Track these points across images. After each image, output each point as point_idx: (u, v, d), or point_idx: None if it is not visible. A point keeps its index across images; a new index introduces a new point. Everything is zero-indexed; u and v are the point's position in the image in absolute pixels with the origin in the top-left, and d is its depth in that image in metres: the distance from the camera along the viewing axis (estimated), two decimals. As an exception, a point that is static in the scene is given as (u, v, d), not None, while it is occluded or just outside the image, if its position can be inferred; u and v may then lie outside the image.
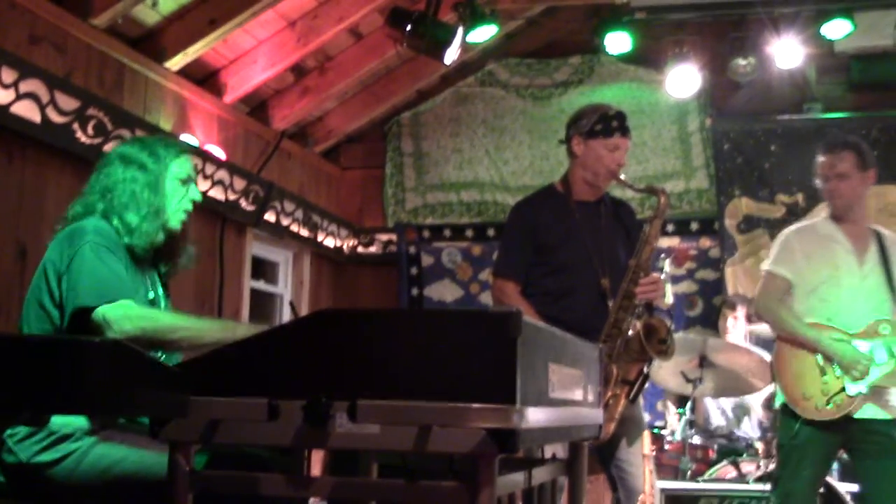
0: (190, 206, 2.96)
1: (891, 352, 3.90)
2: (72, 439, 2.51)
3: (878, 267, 4.03)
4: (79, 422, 2.52)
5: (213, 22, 5.22)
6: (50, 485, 2.51)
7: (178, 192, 2.92)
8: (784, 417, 4.04)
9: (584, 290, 3.80)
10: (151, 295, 2.83)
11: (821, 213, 4.27)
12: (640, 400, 3.88)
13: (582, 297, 3.80)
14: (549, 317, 3.64)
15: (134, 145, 2.92)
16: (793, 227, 4.27)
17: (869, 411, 3.92)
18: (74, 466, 2.50)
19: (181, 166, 2.94)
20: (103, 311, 2.54)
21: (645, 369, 3.68)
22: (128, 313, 2.56)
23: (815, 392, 3.92)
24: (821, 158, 4.13)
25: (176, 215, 2.92)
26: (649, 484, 3.46)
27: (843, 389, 3.89)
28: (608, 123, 3.81)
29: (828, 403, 3.89)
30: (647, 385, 3.80)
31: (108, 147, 4.63)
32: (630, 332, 3.64)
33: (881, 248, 4.08)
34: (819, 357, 3.95)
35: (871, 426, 3.92)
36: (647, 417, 4.04)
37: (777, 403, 4.13)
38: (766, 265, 4.19)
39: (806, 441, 3.93)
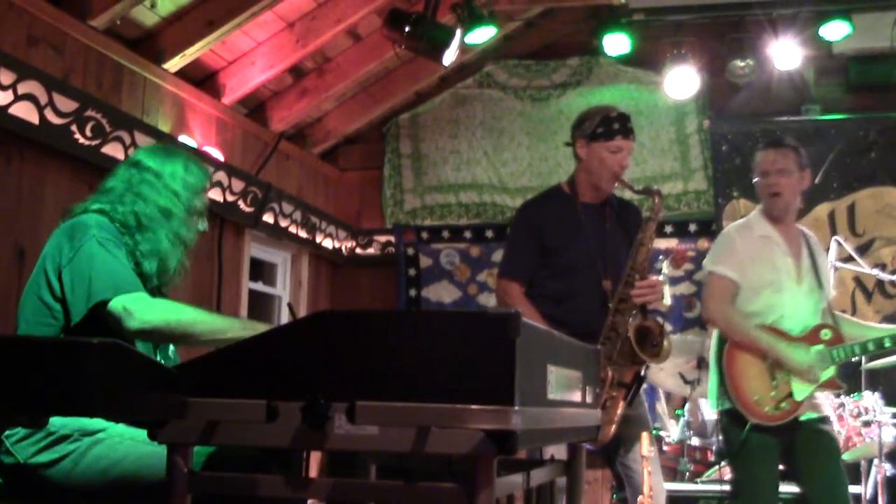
0: (194, 240, 2.95)
1: (831, 358, 3.92)
2: (70, 440, 2.51)
3: (811, 270, 4.04)
4: (77, 423, 2.51)
5: (212, 23, 5.22)
6: (48, 485, 2.50)
7: (193, 226, 2.91)
8: (729, 423, 3.98)
9: (586, 292, 3.80)
10: None
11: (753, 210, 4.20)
12: (644, 399, 3.88)
13: (584, 299, 3.80)
14: (552, 319, 3.64)
15: (163, 168, 2.85)
16: (733, 226, 4.21)
17: (808, 414, 3.94)
18: (72, 467, 2.49)
19: (203, 200, 2.94)
20: (123, 302, 2.53)
21: (641, 372, 3.67)
22: (150, 304, 2.56)
23: (765, 397, 3.89)
24: (762, 154, 4.09)
25: (192, 228, 2.92)
26: (648, 485, 3.45)
27: (790, 394, 3.90)
28: (610, 126, 3.81)
29: (776, 408, 3.88)
30: (644, 385, 3.81)
31: (106, 149, 4.63)
32: (625, 336, 3.64)
33: (810, 252, 4.08)
34: (768, 361, 3.92)
35: (814, 426, 3.94)
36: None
37: (718, 407, 4.06)
38: (709, 265, 4.09)
39: (757, 447, 3.89)
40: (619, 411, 3.61)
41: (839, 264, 5.26)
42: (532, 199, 4.14)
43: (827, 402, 4.15)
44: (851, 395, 5.25)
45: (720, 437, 4.28)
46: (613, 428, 3.59)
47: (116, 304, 2.53)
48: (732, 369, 3.95)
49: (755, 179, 4.13)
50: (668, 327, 5.67)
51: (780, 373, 3.91)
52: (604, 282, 3.79)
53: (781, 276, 3.99)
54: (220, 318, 2.65)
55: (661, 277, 3.95)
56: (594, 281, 3.80)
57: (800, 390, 3.89)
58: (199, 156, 5.43)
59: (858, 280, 6.56)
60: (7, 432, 2.53)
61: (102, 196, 2.81)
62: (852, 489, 4.12)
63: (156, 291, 2.86)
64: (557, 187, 4.06)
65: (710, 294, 4.05)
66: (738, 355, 3.96)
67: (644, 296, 3.69)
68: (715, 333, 4.12)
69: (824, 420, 4.00)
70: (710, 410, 5.94)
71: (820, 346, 3.94)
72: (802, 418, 3.93)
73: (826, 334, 3.96)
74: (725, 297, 3.99)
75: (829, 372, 3.93)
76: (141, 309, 2.53)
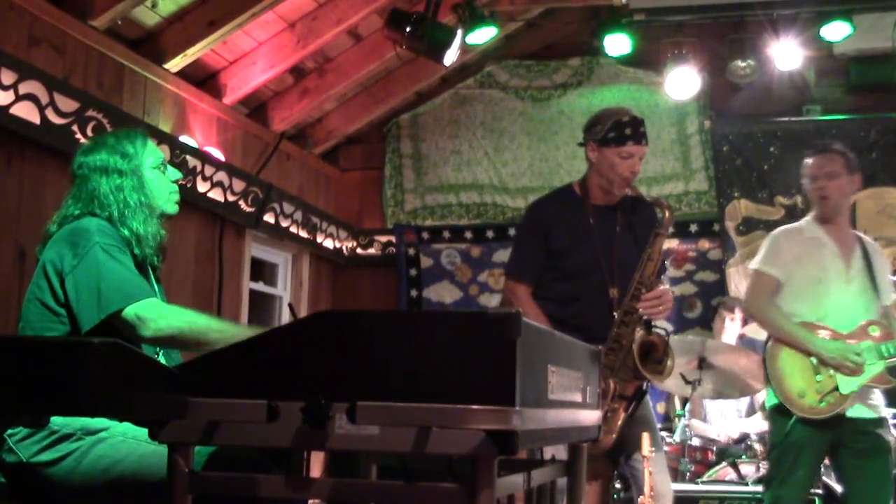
0: (176, 187, 2.97)
1: (879, 353, 3.96)
2: (72, 439, 2.51)
3: (864, 272, 4.09)
4: (79, 422, 2.51)
5: (213, 23, 5.22)
6: (50, 485, 2.50)
7: (160, 180, 2.91)
8: (777, 417, 4.09)
9: (592, 297, 3.76)
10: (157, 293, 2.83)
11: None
12: (649, 400, 3.87)
13: (589, 304, 3.76)
14: (556, 320, 3.62)
15: (100, 152, 2.85)
16: (781, 229, 4.33)
17: (858, 410, 3.98)
18: (74, 466, 2.49)
19: (151, 154, 2.92)
20: (135, 310, 2.54)
21: (643, 386, 3.66)
22: (163, 312, 2.57)
23: (809, 390, 3.97)
24: (810, 160, 4.20)
25: (169, 202, 2.94)
26: (649, 485, 3.45)
27: (836, 388, 3.95)
28: (622, 131, 3.74)
29: (821, 402, 3.95)
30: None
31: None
32: (629, 348, 3.61)
33: (865, 255, 4.14)
34: (813, 357, 4.00)
35: (862, 426, 3.99)
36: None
37: (768, 404, 4.18)
38: (754, 264, 4.23)
39: (800, 440, 3.98)
40: (620, 423, 3.60)
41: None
42: (541, 199, 4.10)
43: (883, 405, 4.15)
44: None
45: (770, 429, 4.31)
46: (614, 437, 3.58)
47: (129, 313, 2.54)
48: (774, 364, 4.06)
49: (805, 184, 4.23)
50: (670, 327, 5.66)
51: (824, 367, 3.97)
52: (610, 289, 3.75)
53: (829, 275, 4.07)
54: (231, 326, 2.64)
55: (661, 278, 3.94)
56: (600, 286, 3.75)
57: (845, 384, 3.94)
58: (199, 156, 5.43)
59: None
60: (9, 431, 2.53)
61: (69, 208, 2.79)
62: None
63: (155, 271, 2.89)
64: (569, 187, 3.99)
65: (752, 291, 4.21)
66: (780, 351, 4.07)
67: (651, 308, 3.65)
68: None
69: (878, 422, 4.03)
70: (715, 411, 5.96)
71: (867, 342, 3.98)
72: (852, 415, 3.96)
73: (874, 330, 4.01)
74: (766, 294, 4.13)
75: (878, 367, 3.96)
76: (154, 317, 2.54)
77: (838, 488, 4.63)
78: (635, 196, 3.86)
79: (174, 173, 2.99)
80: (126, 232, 2.74)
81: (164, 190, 2.92)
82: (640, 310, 3.65)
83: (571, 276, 3.80)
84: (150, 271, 2.90)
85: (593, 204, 3.86)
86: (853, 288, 4.07)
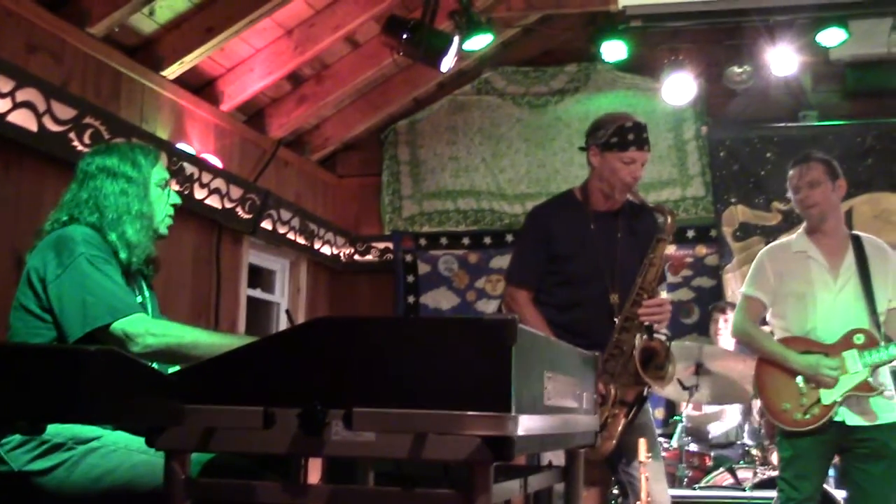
0: (172, 210, 2.98)
1: (864, 361, 3.98)
2: (63, 448, 2.49)
3: (854, 277, 4.09)
4: (71, 431, 2.51)
5: (210, 30, 5.23)
6: (41, 494, 2.49)
7: (162, 199, 2.93)
8: (779, 433, 4.20)
9: (592, 303, 3.74)
10: (140, 299, 2.82)
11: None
12: (649, 406, 3.86)
13: (590, 309, 3.74)
14: (557, 326, 3.62)
15: (112, 156, 2.87)
16: (768, 247, 4.38)
17: (853, 419, 4.00)
18: (66, 476, 2.48)
19: (160, 172, 2.95)
20: (122, 327, 2.54)
21: (644, 392, 3.65)
22: (149, 328, 2.56)
23: (793, 404, 4.04)
24: (791, 172, 4.22)
25: (163, 222, 2.95)
26: (645, 491, 3.45)
27: (818, 400, 4.00)
28: (624, 136, 3.75)
29: (805, 414, 4.00)
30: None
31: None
32: (630, 354, 3.61)
33: (859, 255, 4.13)
34: (797, 372, 4.06)
35: (860, 433, 4.01)
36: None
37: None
38: (742, 289, 4.34)
39: (799, 451, 4.04)
40: (620, 429, 3.60)
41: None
42: (542, 205, 4.08)
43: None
44: None
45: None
46: (613, 443, 3.58)
47: (116, 329, 2.54)
48: (761, 382, 4.17)
49: (790, 197, 4.25)
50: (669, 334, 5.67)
51: (806, 382, 4.04)
52: (611, 295, 3.73)
53: (815, 288, 4.10)
54: (220, 337, 2.62)
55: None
56: (601, 292, 3.73)
57: (826, 395, 3.99)
58: (196, 163, 5.43)
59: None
60: (2, 441, 2.53)
61: (64, 208, 2.80)
62: None
63: (146, 279, 2.90)
64: (570, 193, 3.98)
65: (738, 315, 4.30)
66: (765, 369, 4.17)
67: (651, 315, 3.64)
68: None
69: (879, 428, 4.02)
70: (715, 417, 5.97)
71: (852, 351, 3.99)
72: (851, 423, 3.99)
73: (859, 339, 4.02)
74: (750, 316, 4.23)
75: (862, 375, 3.97)
76: (141, 334, 2.54)
77: (837, 494, 4.65)
78: (637, 202, 3.86)
79: (174, 197, 3.01)
80: (114, 237, 2.73)
81: (162, 209, 2.94)
82: (641, 316, 3.64)
83: (572, 282, 3.79)
84: (142, 279, 2.90)
85: (594, 210, 3.85)
86: (842, 298, 4.08)
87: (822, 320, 4.06)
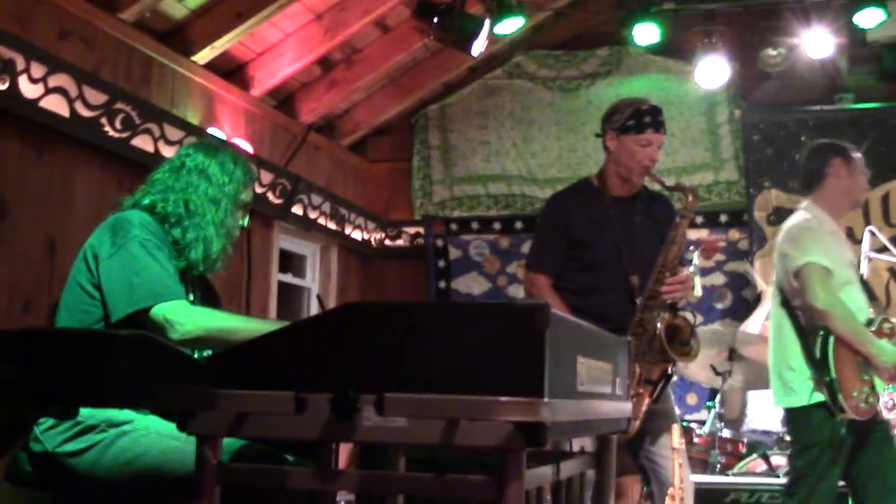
0: (237, 235, 3.00)
1: None
2: (96, 430, 2.52)
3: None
4: (104, 413, 2.53)
5: (240, 15, 5.23)
6: (74, 475, 2.52)
7: (237, 218, 2.96)
8: (821, 414, 3.89)
9: (613, 287, 3.77)
10: (191, 297, 2.84)
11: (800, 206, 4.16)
12: (671, 393, 3.86)
13: (611, 294, 3.76)
14: (578, 311, 3.62)
15: (215, 160, 2.90)
16: (804, 219, 4.06)
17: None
18: (97, 458, 2.51)
19: (248, 194, 3.00)
20: (163, 312, 2.56)
21: (669, 370, 3.65)
22: (190, 315, 2.58)
23: (860, 391, 3.86)
24: (860, 157, 4.11)
25: (227, 240, 2.96)
26: (679, 477, 3.43)
27: (873, 388, 3.88)
28: (640, 119, 3.77)
29: (866, 402, 3.86)
30: (674, 379, 3.78)
31: (136, 142, 4.66)
32: (654, 332, 3.61)
33: None
34: (859, 357, 3.87)
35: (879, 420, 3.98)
36: (677, 411, 4.00)
37: (808, 401, 3.94)
38: (801, 257, 3.92)
39: (842, 440, 3.86)
40: (645, 408, 3.59)
41: (873, 255, 5.21)
42: (560, 192, 4.11)
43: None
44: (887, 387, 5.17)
45: (789, 428, 4.24)
46: (638, 423, 3.57)
47: (157, 314, 2.56)
48: (839, 364, 3.84)
49: (860, 182, 4.12)
50: (699, 318, 5.63)
51: (866, 368, 3.87)
52: (631, 277, 3.75)
53: (852, 270, 4.01)
54: (259, 323, 2.63)
55: (691, 268, 3.92)
56: (621, 275, 3.76)
57: (880, 384, 3.91)
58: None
59: (893, 271, 6.49)
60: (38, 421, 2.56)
61: (151, 188, 2.85)
62: None
63: (200, 278, 2.93)
64: (587, 180, 4.03)
65: (816, 286, 3.85)
66: (842, 351, 3.86)
67: (674, 292, 3.67)
68: (785, 323, 4.02)
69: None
70: (752, 405, 5.90)
71: (884, 340, 3.91)
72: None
73: (887, 327, 3.93)
74: (830, 285, 3.84)
75: None
76: (182, 321, 2.55)
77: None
78: (654, 188, 3.88)
79: (245, 221, 3.03)
80: (191, 236, 2.77)
81: (235, 228, 2.96)
82: (663, 294, 3.66)
83: (592, 268, 3.81)
84: (190, 281, 2.90)
85: (612, 195, 3.88)
86: (858, 280, 4.03)
87: (858, 304, 3.95)
